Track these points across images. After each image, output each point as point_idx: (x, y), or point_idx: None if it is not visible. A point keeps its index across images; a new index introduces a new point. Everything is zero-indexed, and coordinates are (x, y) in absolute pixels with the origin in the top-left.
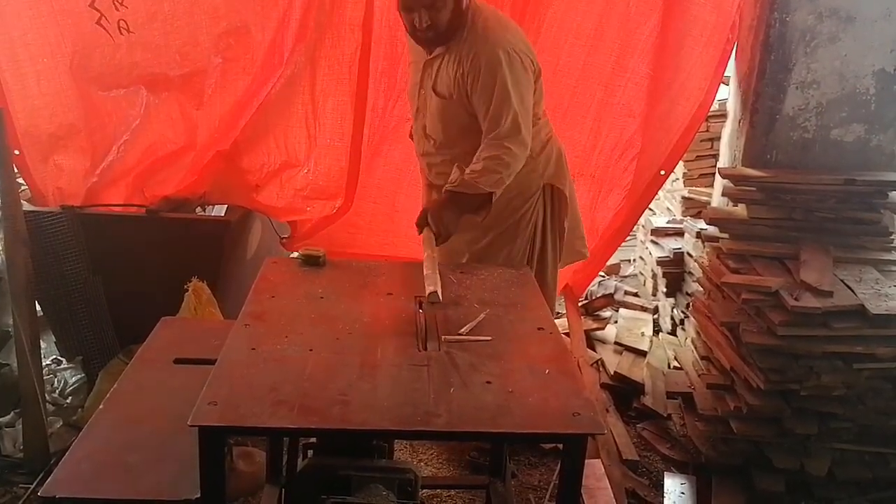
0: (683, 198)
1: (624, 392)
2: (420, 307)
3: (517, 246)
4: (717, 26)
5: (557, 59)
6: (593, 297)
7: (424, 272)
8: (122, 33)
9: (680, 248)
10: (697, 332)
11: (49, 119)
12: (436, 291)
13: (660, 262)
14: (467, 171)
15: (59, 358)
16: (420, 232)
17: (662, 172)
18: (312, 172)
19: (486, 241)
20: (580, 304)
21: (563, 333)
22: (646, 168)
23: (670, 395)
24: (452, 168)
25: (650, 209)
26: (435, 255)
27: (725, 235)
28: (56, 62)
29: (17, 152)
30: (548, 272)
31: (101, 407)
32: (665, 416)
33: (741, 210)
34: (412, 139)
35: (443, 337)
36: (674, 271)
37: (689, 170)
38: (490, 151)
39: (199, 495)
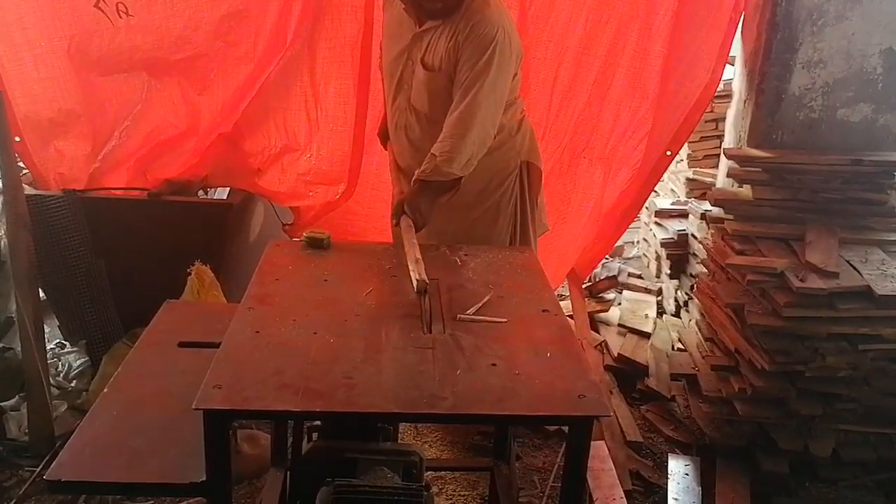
0: (688, 179)
1: (628, 374)
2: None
3: (499, 226)
4: (721, 5)
5: (587, 39)
6: (597, 280)
7: (409, 263)
8: (121, 17)
9: (684, 230)
10: (702, 314)
11: (49, 104)
12: (423, 280)
13: (664, 244)
14: (436, 154)
15: (62, 342)
16: (396, 223)
17: (669, 153)
18: (315, 157)
19: (469, 220)
20: (584, 286)
21: (567, 316)
22: (653, 148)
23: (674, 376)
24: (430, 145)
25: (654, 190)
26: (415, 241)
27: (730, 216)
28: (54, 47)
29: (17, 139)
30: (531, 248)
31: (105, 391)
32: (669, 397)
33: (746, 191)
34: (381, 138)
35: (458, 316)
36: (678, 253)
37: (693, 151)
38: (456, 129)
39: (204, 478)
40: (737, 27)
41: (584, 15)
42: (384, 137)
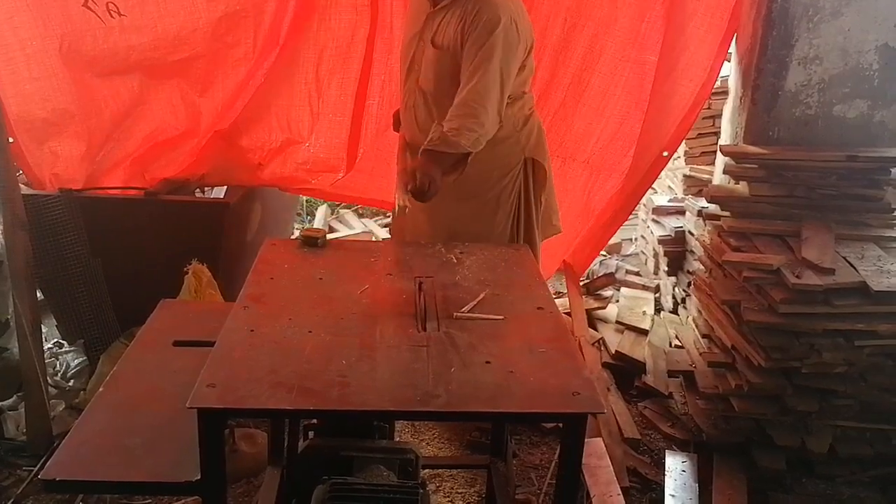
0: (685, 176)
1: (625, 371)
2: (420, 288)
3: (498, 219)
4: (719, 6)
5: (565, 42)
6: (594, 277)
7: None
8: (112, 17)
9: (681, 227)
10: (699, 311)
11: (42, 104)
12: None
13: (661, 241)
14: (445, 128)
15: (60, 341)
16: (404, 189)
17: (665, 154)
18: (314, 146)
19: (467, 211)
20: (581, 283)
21: (565, 313)
22: (647, 150)
23: (671, 373)
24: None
25: (651, 188)
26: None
27: (727, 213)
28: (46, 46)
29: (11, 140)
30: (534, 247)
31: (100, 390)
32: (666, 394)
33: (743, 188)
34: (394, 122)
35: (454, 314)
36: (675, 250)
37: (690, 147)
38: (464, 109)
39: (199, 477)
40: (736, 25)
41: (563, 15)
42: (397, 122)
